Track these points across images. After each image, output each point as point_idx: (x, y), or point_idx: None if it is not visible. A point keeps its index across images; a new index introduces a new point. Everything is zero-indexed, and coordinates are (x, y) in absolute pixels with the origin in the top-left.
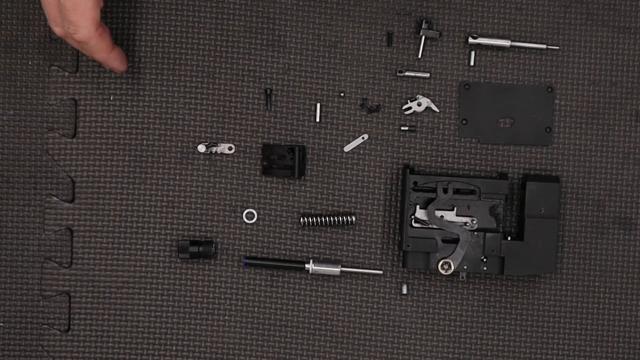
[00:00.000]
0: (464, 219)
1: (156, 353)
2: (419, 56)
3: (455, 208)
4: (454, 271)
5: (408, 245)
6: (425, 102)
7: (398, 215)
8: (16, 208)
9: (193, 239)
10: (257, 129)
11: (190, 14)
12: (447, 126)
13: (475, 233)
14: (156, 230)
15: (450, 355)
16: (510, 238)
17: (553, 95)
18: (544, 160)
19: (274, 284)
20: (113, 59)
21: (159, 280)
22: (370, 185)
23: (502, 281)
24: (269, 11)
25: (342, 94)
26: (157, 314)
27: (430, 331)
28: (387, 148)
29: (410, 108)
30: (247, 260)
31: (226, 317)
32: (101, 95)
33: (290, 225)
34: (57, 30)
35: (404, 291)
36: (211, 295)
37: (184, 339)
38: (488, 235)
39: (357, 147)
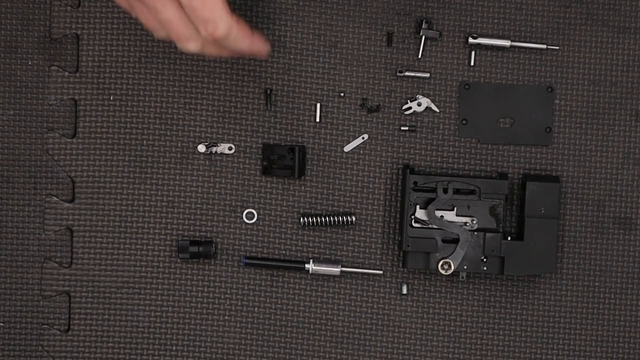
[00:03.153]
0: (464, 219)
1: (156, 353)
2: (419, 56)
3: (455, 208)
4: (454, 271)
5: (408, 245)
6: (425, 102)
7: (398, 215)
8: (16, 208)
9: (193, 239)
10: (257, 129)
11: None
12: (447, 126)
13: (475, 233)
14: (156, 230)
15: (450, 355)
16: (510, 238)
17: (553, 95)
18: (544, 160)
19: (274, 284)
20: (257, 42)
21: (159, 280)
22: (370, 185)
23: (502, 281)
24: (268, 11)
25: (342, 94)
26: (157, 314)
27: (430, 331)
28: (387, 148)
29: (410, 108)
30: (247, 260)
31: (226, 317)
32: (101, 95)
33: (290, 225)
34: (192, 45)
35: (404, 291)
36: (211, 295)
37: (184, 339)
38: (488, 235)
39: (357, 147)
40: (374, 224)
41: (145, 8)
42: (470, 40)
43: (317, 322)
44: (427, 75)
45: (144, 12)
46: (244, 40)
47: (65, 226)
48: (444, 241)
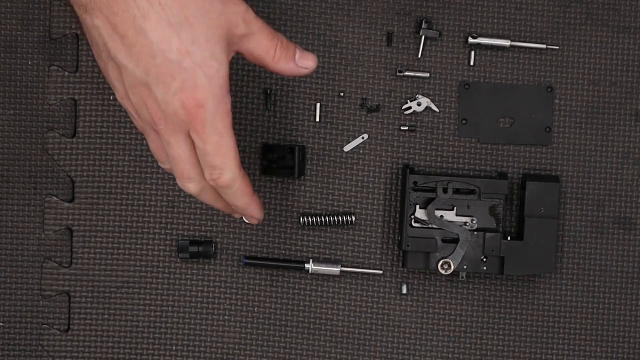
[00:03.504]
0: (464, 219)
1: (156, 353)
2: (419, 56)
3: (455, 208)
4: (454, 271)
5: (408, 245)
6: (425, 102)
7: (398, 215)
8: (16, 208)
9: (193, 239)
10: (257, 129)
11: None
12: (447, 126)
13: (475, 233)
14: (156, 230)
15: (450, 355)
16: (510, 238)
17: (553, 95)
18: (544, 160)
19: (274, 284)
20: (255, 204)
21: (159, 280)
22: (370, 185)
23: (502, 281)
24: (268, 11)
25: (342, 94)
26: (157, 314)
27: (430, 331)
28: (387, 148)
29: (410, 108)
30: (247, 260)
31: (226, 317)
32: (101, 95)
33: (290, 225)
34: (192, 186)
35: (404, 291)
36: (211, 295)
37: (184, 339)
38: (488, 235)
39: (357, 147)
40: (374, 224)
41: (159, 139)
42: (470, 40)
43: (317, 322)
44: (427, 75)
45: (156, 142)
46: (243, 197)
47: (65, 226)
48: (444, 241)
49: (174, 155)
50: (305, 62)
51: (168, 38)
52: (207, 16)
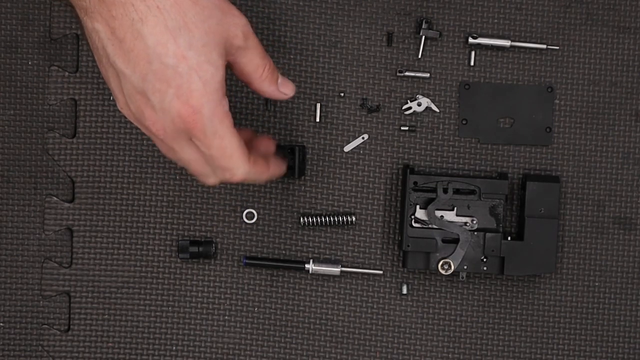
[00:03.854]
0: (464, 219)
1: (156, 353)
2: (419, 56)
3: (455, 208)
4: (454, 271)
5: (408, 245)
6: (425, 102)
7: (398, 215)
8: (16, 208)
9: (193, 239)
10: (257, 129)
11: None
12: (447, 126)
13: (475, 233)
14: (156, 230)
15: (450, 355)
16: (510, 238)
17: (553, 95)
18: (544, 160)
19: (274, 284)
20: (274, 170)
21: (159, 280)
22: (370, 185)
23: (502, 281)
24: (268, 11)
25: (342, 94)
26: (157, 314)
27: (430, 331)
28: (387, 148)
29: (410, 108)
30: (247, 260)
31: (226, 317)
32: (101, 95)
33: (290, 225)
34: (211, 180)
35: (404, 291)
36: (211, 295)
37: (184, 339)
38: (488, 235)
39: (357, 147)
40: (374, 224)
41: (165, 145)
42: (470, 40)
43: (317, 322)
44: (427, 75)
45: (163, 146)
46: (261, 177)
47: (65, 226)
48: (444, 241)
49: (182, 159)
50: (285, 89)
51: (165, 42)
52: (205, 22)
